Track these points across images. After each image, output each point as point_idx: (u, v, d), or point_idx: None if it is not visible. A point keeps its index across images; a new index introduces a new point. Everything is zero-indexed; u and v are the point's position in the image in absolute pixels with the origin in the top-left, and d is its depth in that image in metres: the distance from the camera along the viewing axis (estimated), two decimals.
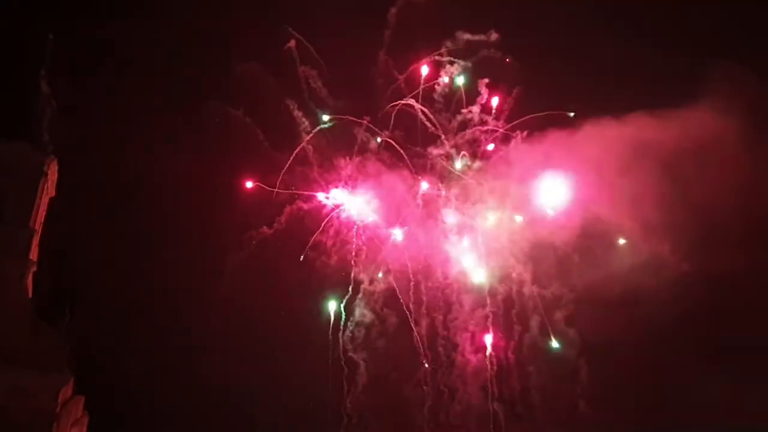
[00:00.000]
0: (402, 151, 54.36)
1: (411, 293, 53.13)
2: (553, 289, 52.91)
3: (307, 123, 53.55)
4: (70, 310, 36.48)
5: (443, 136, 54.62)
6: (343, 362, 51.95)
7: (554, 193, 53.16)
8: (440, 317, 53.44)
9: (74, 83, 43.41)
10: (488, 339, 52.58)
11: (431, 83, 54.90)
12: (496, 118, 54.68)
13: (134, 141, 48.19)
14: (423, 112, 54.34)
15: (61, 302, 36.76)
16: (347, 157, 54.26)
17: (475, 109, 54.64)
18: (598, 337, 51.06)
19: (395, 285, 53.40)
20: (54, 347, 35.31)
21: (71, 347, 35.79)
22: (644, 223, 51.21)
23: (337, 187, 54.29)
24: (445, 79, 54.88)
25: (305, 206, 53.83)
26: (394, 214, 54.20)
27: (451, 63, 54.75)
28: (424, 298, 53.30)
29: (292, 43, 52.72)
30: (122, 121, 48.15)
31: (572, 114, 53.51)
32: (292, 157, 52.71)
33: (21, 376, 34.07)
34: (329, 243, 53.76)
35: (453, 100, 55.31)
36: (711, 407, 49.09)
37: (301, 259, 53.12)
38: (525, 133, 53.93)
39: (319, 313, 52.62)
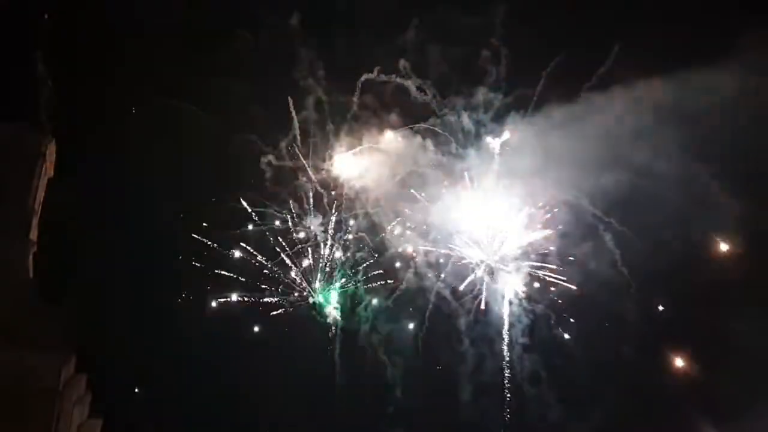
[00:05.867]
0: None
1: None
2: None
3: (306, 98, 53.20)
4: (71, 290, 36.59)
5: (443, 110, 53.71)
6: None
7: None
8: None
9: (71, 63, 43.14)
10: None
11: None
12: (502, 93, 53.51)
13: (134, 120, 48.13)
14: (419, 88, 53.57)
15: (62, 282, 36.93)
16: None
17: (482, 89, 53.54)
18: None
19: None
20: (55, 326, 34.96)
21: (73, 326, 35.69)
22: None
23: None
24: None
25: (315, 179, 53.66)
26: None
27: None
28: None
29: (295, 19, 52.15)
30: (121, 101, 48.06)
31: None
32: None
33: (23, 355, 33.71)
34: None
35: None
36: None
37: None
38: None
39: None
